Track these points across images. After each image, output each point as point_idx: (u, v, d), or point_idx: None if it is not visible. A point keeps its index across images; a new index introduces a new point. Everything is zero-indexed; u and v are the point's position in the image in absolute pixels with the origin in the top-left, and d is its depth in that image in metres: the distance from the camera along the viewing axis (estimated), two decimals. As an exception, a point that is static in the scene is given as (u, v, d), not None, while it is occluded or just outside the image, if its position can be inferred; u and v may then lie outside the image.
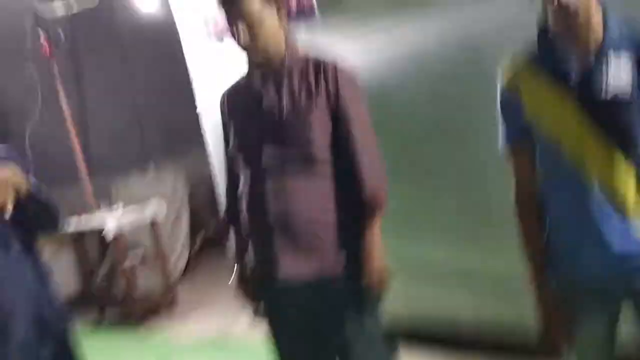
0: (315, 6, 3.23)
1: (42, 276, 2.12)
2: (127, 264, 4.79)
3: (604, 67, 1.52)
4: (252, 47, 1.87)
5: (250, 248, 2.11)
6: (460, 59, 2.68)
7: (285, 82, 1.93)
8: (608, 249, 1.55)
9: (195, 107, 3.87)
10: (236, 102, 2.08)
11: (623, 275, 1.57)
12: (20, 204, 1.89)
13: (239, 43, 1.89)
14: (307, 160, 1.92)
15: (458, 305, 3.02)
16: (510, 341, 2.78)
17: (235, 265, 2.16)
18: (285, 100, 1.92)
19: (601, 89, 1.51)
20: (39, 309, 2.08)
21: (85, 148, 5.43)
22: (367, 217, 1.95)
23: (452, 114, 2.79)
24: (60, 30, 5.05)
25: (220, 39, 3.48)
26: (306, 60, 1.95)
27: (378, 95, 2.86)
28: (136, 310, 4.73)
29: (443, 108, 2.82)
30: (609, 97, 1.51)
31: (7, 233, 2.01)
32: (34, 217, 2.04)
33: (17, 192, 1.85)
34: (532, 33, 1.60)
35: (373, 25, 2.98)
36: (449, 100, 2.78)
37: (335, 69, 1.92)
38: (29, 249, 2.10)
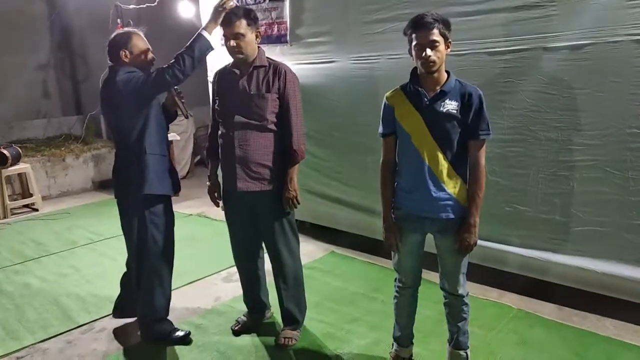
0: (288, 37, 4.17)
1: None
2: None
3: (441, 99, 2.10)
4: (236, 53, 2.47)
5: (219, 172, 2.75)
6: (368, 81, 3.68)
7: (254, 75, 2.52)
8: (429, 193, 2.18)
9: (206, 78, 4.70)
10: (222, 79, 2.64)
11: (434, 208, 2.20)
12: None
13: (229, 51, 2.47)
14: (262, 123, 2.50)
15: (339, 215, 4.18)
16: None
17: (208, 180, 2.83)
18: (252, 86, 2.50)
19: (438, 111, 2.09)
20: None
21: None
22: (292, 160, 2.58)
23: (359, 108, 3.77)
24: (130, 20, 5.88)
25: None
26: (269, 64, 2.55)
27: (317, 93, 3.92)
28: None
29: (354, 104, 3.81)
30: (441, 116, 2.09)
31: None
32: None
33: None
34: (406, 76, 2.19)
35: (319, 56, 3.95)
36: (358, 100, 3.76)
37: (285, 71, 2.54)
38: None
